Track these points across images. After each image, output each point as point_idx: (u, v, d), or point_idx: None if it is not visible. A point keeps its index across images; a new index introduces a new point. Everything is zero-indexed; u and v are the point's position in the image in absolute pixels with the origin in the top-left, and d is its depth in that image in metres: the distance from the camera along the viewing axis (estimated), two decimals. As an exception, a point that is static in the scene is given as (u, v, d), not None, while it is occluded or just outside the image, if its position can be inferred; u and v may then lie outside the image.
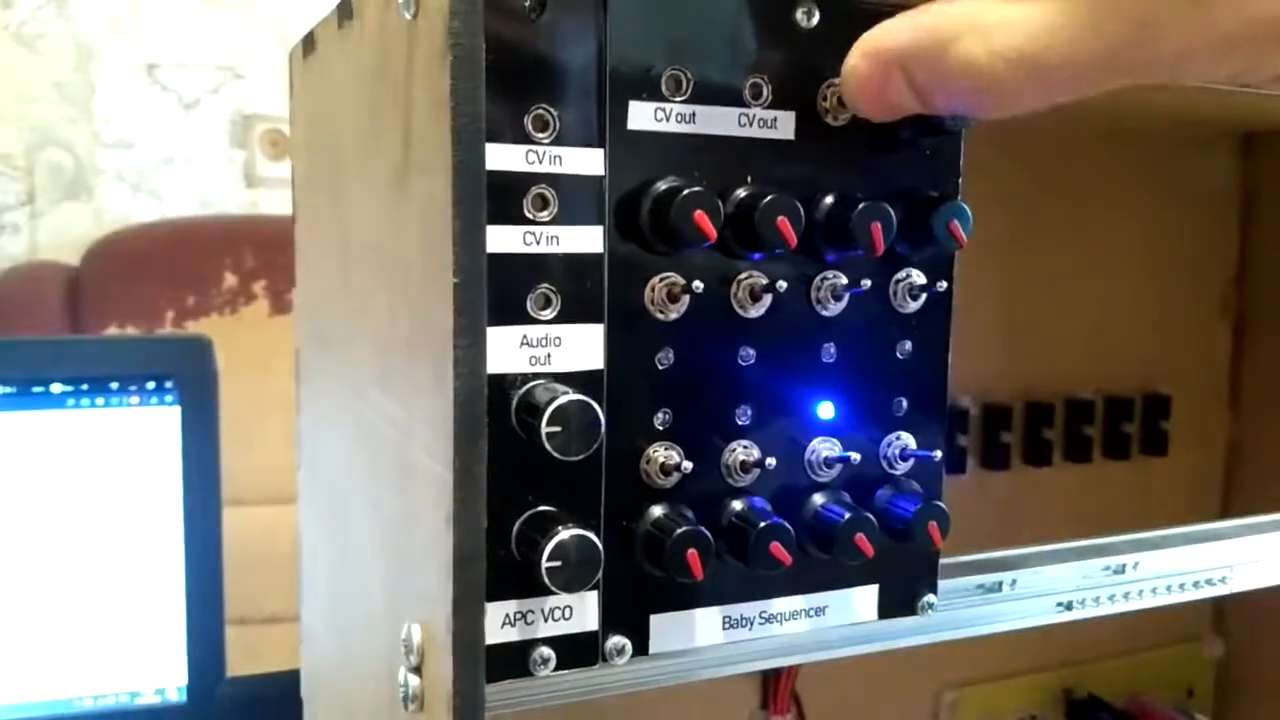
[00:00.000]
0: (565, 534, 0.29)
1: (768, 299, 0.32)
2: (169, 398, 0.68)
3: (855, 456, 0.34)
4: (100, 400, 0.67)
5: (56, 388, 0.67)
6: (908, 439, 0.35)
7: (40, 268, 1.27)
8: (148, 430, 0.68)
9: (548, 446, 0.29)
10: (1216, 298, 0.66)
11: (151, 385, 0.68)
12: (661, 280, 0.31)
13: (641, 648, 0.33)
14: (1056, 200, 0.59)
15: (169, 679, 0.68)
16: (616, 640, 0.32)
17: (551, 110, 0.30)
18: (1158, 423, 0.63)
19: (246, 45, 1.37)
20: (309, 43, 0.43)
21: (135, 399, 0.68)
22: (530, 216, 0.30)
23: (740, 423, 0.33)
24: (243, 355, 0.85)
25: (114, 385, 0.68)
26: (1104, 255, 0.61)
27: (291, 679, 0.53)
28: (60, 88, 1.32)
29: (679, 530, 0.31)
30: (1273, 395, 0.66)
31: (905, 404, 0.35)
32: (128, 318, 1.16)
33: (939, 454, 0.35)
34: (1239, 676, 0.70)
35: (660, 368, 0.32)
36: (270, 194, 1.39)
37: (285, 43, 1.35)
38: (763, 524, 0.32)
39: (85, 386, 0.67)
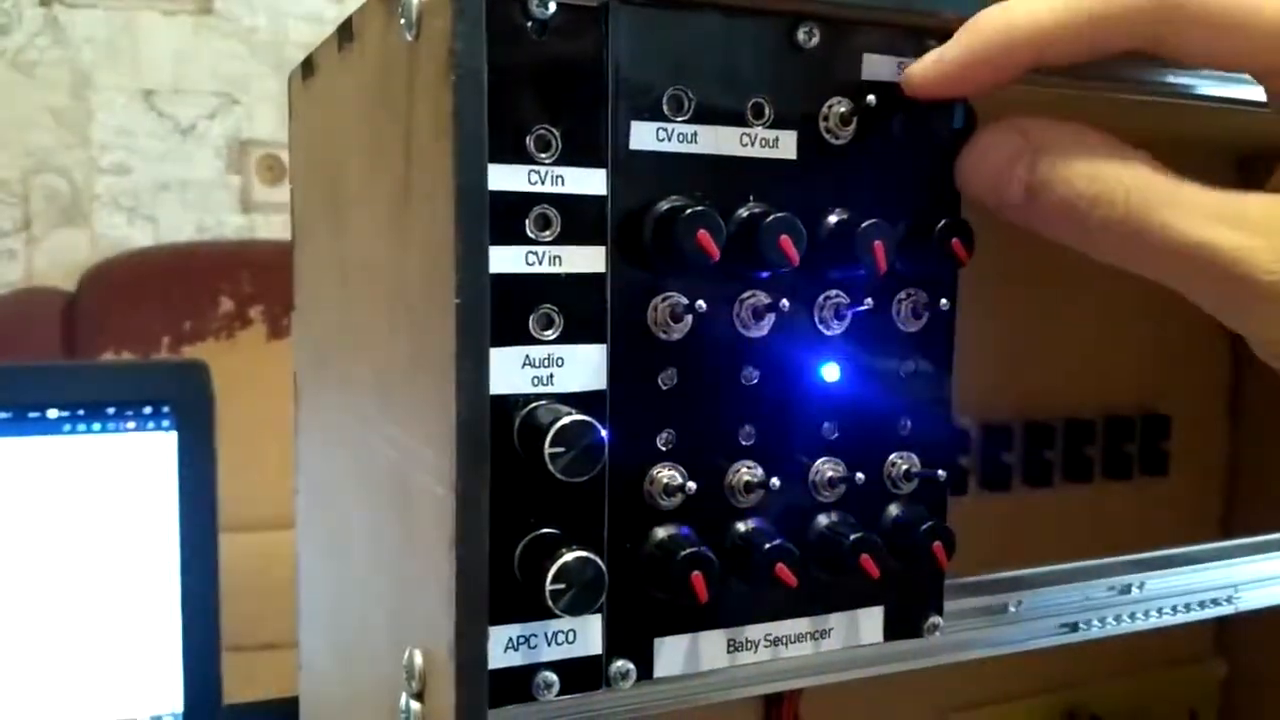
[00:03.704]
0: (568, 556, 0.29)
1: (771, 318, 0.32)
2: (165, 423, 0.68)
3: (860, 476, 0.34)
4: (96, 426, 0.67)
5: (53, 413, 0.66)
6: (912, 458, 0.35)
7: (36, 293, 1.27)
8: (144, 456, 0.68)
9: (551, 468, 0.28)
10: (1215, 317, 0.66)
11: (148, 411, 0.68)
12: (664, 300, 0.31)
13: (645, 671, 0.32)
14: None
15: (165, 705, 0.67)
16: (620, 664, 0.32)
17: (553, 130, 0.29)
18: (1158, 443, 0.63)
19: (243, 71, 1.38)
20: (308, 66, 0.43)
21: (132, 424, 0.68)
22: (532, 237, 0.30)
23: (744, 443, 0.33)
24: (239, 380, 0.85)
25: (110, 411, 0.67)
26: (1103, 275, 0.61)
27: (289, 706, 0.52)
28: (57, 114, 1.32)
29: (683, 552, 0.31)
30: (1272, 414, 0.66)
31: (909, 423, 0.35)
32: (124, 343, 1.15)
33: (943, 473, 0.35)
34: (1242, 698, 0.69)
35: (663, 388, 0.32)
36: (266, 219, 1.39)
37: (282, 69, 1.35)
38: (768, 545, 0.31)
39: (81, 412, 0.67)
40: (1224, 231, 0.29)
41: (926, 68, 0.32)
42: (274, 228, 1.38)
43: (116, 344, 1.15)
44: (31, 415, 0.66)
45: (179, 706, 0.67)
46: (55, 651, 0.66)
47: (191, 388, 0.70)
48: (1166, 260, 0.30)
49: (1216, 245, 0.29)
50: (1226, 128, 0.50)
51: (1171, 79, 0.39)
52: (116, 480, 0.67)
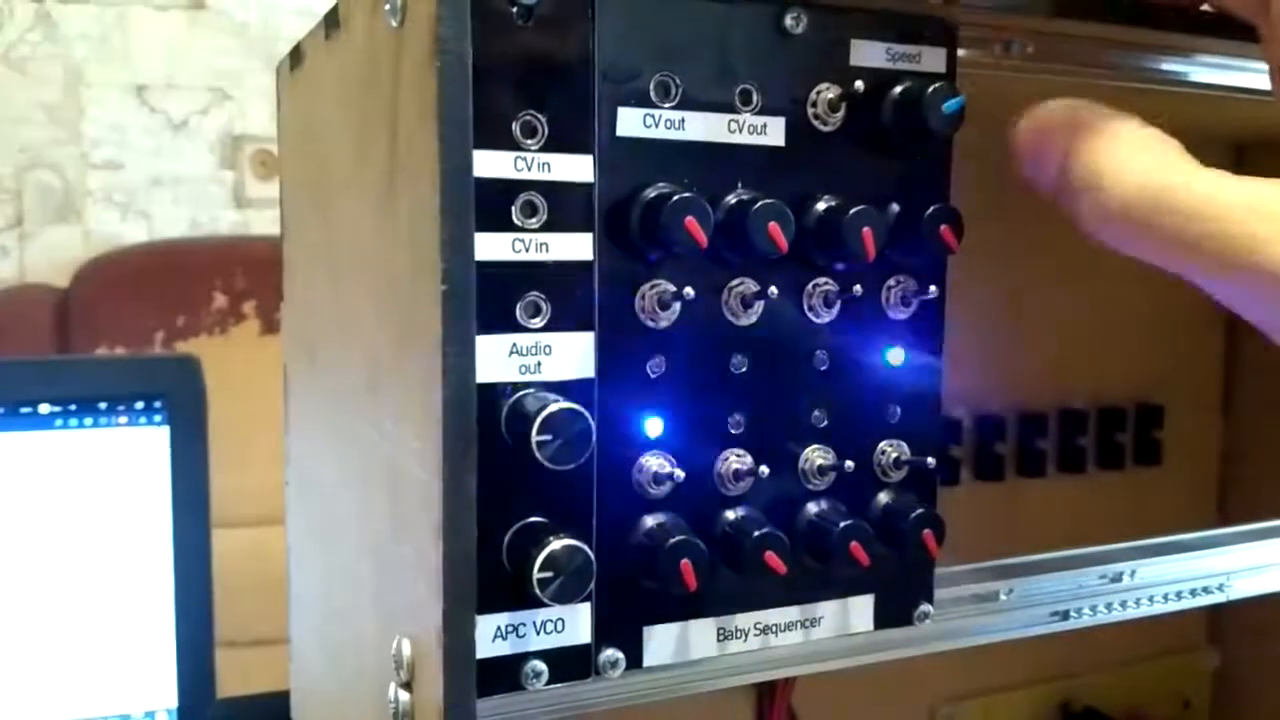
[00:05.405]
0: (556, 545, 0.29)
1: (759, 306, 0.32)
2: (158, 418, 0.68)
3: (849, 464, 0.34)
4: (89, 421, 0.67)
5: (45, 408, 0.66)
6: (901, 446, 0.35)
7: (29, 290, 1.27)
8: (137, 451, 0.67)
9: (538, 456, 0.28)
10: (1208, 306, 0.66)
11: (140, 406, 0.68)
12: (652, 288, 0.31)
13: (635, 660, 0.32)
14: (1048, 208, 0.59)
15: (159, 701, 0.67)
16: (610, 653, 0.32)
17: (540, 116, 0.29)
18: (1151, 432, 0.63)
19: (235, 66, 1.37)
20: (296, 56, 0.43)
21: (124, 419, 0.67)
22: (519, 224, 0.29)
23: (733, 431, 0.33)
24: (232, 376, 0.84)
25: (103, 406, 0.67)
26: (1096, 264, 0.61)
27: (282, 701, 0.52)
28: (49, 110, 1.31)
29: (672, 540, 0.30)
30: (1265, 403, 0.66)
31: (899, 411, 0.35)
32: (117, 339, 1.15)
33: (933, 461, 0.35)
34: (1235, 688, 0.69)
35: (651, 376, 0.32)
36: (260, 214, 1.39)
37: (274, 63, 1.35)
38: (757, 533, 0.31)
39: (74, 407, 0.67)
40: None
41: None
42: (268, 223, 1.37)
43: (109, 340, 1.15)
44: (24, 410, 0.66)
45: (173, 701, 0.67)
46: (50, 647, 0.66)
47: (184, 383, 0.70)
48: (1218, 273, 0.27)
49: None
50: (1226, 116, 0.49)
51: (1168, 66, 0.39)
52: (109, 475, 0.67)
